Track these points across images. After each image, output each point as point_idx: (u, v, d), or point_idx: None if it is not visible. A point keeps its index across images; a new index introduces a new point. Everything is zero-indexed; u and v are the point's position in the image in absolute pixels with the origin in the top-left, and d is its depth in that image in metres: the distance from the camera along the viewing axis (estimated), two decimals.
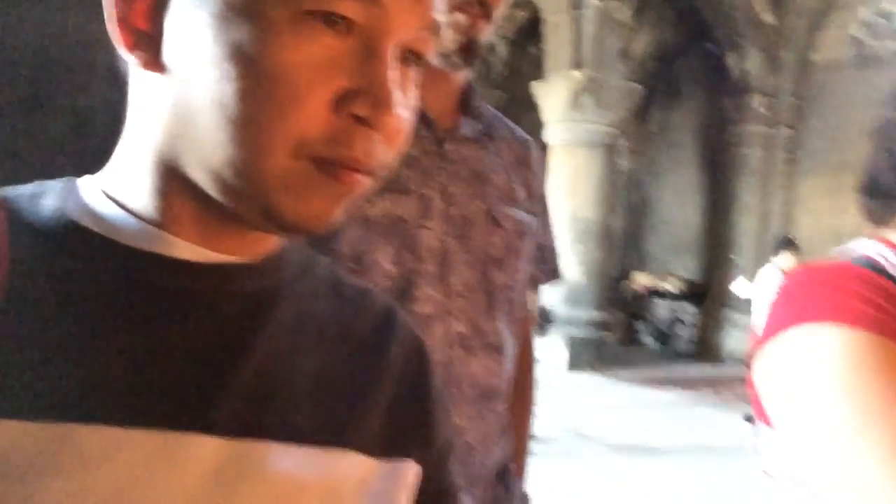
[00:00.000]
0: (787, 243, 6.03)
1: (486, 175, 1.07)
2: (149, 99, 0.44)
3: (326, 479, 0.46)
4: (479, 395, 1.03)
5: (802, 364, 0.71)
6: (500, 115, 1.18)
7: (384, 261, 0.96)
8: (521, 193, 1.12)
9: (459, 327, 1.01)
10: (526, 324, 1.22)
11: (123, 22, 0.42)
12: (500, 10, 1.01)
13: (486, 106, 1.14)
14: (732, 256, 9.57)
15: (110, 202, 0.45)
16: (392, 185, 0.97)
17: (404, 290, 0.97)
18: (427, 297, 0.98)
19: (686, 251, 11.23)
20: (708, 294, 10.03)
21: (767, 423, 0.78)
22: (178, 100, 0.42)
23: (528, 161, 1.16)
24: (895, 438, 0.64)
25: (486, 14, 0.98)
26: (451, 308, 1.00)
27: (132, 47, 0.42)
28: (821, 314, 0.71)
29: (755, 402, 0.80)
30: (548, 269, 1.24)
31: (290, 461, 0.45)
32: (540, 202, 1.19)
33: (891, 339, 0.69)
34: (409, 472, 0.53)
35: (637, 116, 11.21)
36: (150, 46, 0.42)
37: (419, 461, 0.54)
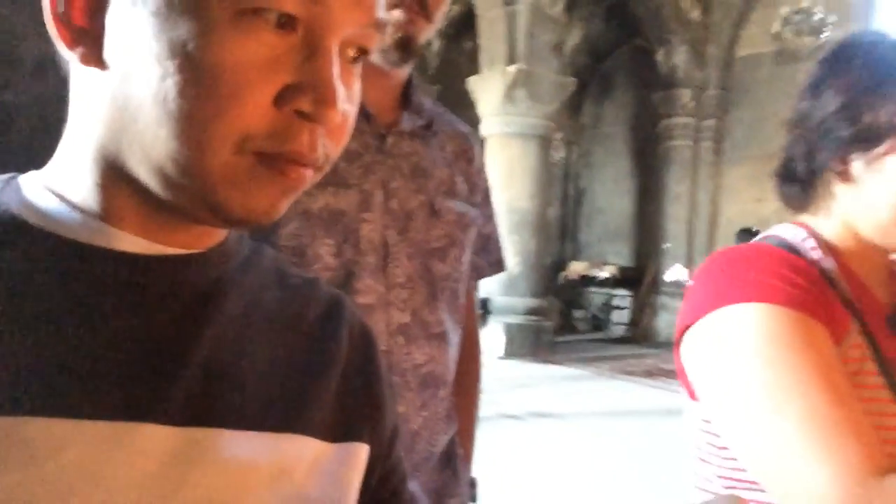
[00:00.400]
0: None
1: (427, 169, 1.08)
2: (90, 95, 0.44)
3: (278, 462, 0.47)
4: (423, 383, 1.05)
5: (727, 340, 0.75)
6: (441, 109, 1.19)
7: (325, 254, 0.98)
8: (462, 186, 1.14)
9: (401, 317, 1.02)
10: (470, 312, 1.24)
11: (61, 19, 0.42)
12: (442, 10, 1.02)
13: (428, 100, 1.15)
14: (665, 245, 9.84)
15: (53, 197, 0.45)
16: (333, 180, 0.98)
17: (345, 281, 0.98)
18: (368, 289, 1.00)
19: (619, 239, 11.48)
20: (641, 280, 10.29)
21: (694, 398, 0.83)
22: (119, 96, 0.42)
23: (470, 154, 1.18)
24: (812, 408, 0.69)
25: (426, 13, 0.99)
26: (392, 299, 1.02)
27: (71, 44, 0.42)
28: (743, 294, 0.75)
29: (683, 379, 0.84)
30: (492, 259, 1.27)
31: (241, 446, 0.46)
32: (482, 194, 1.21)
33: (806, 314, 0.74)
34: (360, 455, 0.54)
35: (571, 109, 11.39)
36: (89, 43, 0.42)
37: (369, 444, 0.55)
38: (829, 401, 0.69)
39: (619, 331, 10.68)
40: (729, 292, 0.77)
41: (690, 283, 0.85)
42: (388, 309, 1.01)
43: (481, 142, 1.24)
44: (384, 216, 1.02)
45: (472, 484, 1.23)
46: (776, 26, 9.14)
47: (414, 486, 1.04)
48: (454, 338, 1.12)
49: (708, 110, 9.66)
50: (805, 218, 0.90)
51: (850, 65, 0.82)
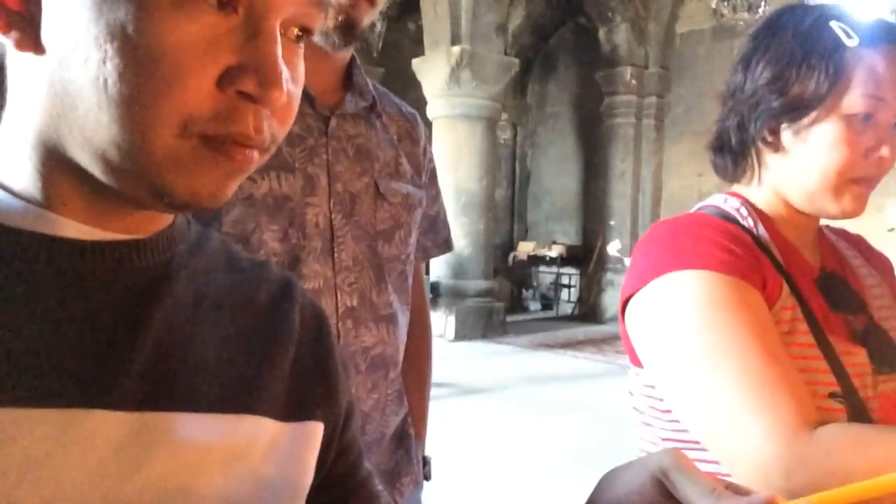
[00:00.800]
0: None
1: (371, 151, 1.08)
2: (26, 80, 0.43)
3: (232, 443, 0.48)
4: (372, 365, 1.06)
5: (667, 306, 0.78)
6: (386, 91, 1.20)
7: (270, 239, 0.97)
8: (407, 168, 1.14)
9: (349, 301, 1.03)
10: (419, 292, 1.26)
11: None
12: None
13: (372, 82, 1.15)
14: (610, 222, 10.00)
15: None
16: (276, 164, 0.97)
17: (291, 267, 0.99)
18: (315, 273, 1.00)
19: (566, 218, 11.62)
20: (588, 258, 10.45)
21: (638, 364, 0.86)
22: (57, 81, 0.41)
23: (415, 135, 1.19)
24: (747, 366, 0.72)
25: None
26: (339, 283, 1.02)
27: (5, 28, 0.41)
28: (682, 262, 0.79)
29: (628, 347, 0.87)
30: (439, 240, 1.28)
31: (195, 429, 0.46)
32: (428, 174, 1.22)
33: (741, 279, 0.77)
34: (315, 433, 0.55)
35: (515, 90, 11.45)
36: (24, 27, 0.41)
37: (323, 422, 0.55)
38: (763, 360, 0.72)
39: (568, 309, 10.84)
40: (669, 261, 0.80)
41: (627, 259, 0.88)
42: (335, 293, 1.02)
43: (427, 123, 1.25)
44: (330, 200, 1.02)
45: (425, 462, 1.25)
46: (714, 2, 9.30)
47: (368, 466, 1.04)
48: (402, 319, 1.13)
49: (649, 88, 9.82)
50: (738, 188, 0.93)
51: (779, 38, 0.85)
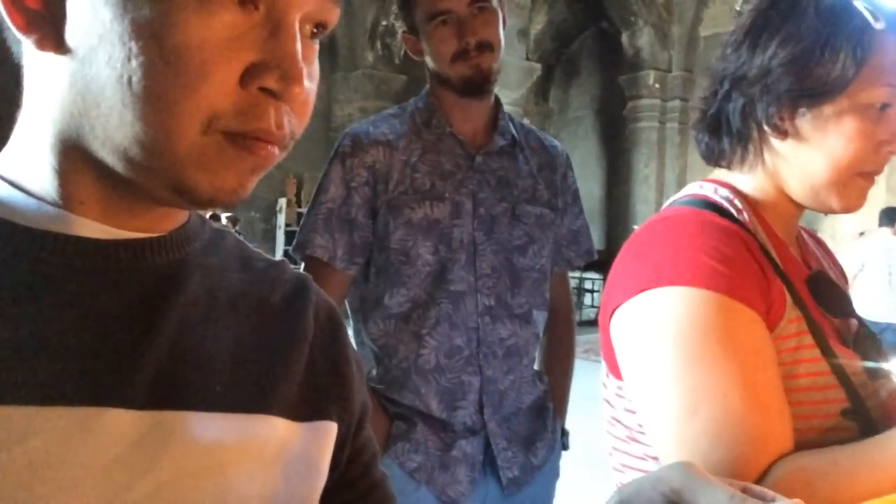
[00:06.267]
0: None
1: (511, 180, 1.33)
2: (46, 80, 0.43)
3: (246, 442, 0.48)
4: (507, 353, 1.30)
5: (651, 331, 0.73)
6: (533, 129, 1.47)
7: (425, 252, 1.25)
8: (544, 193, 1.38)
9: (487, 301, 1.28)
10: (565, 296, 1.52)
11: (14, 3, 0.42)
12: (501, 38, 1.30)
13: (519, 122, 1.43)
14: (634, 227, 9.92)
15: (5, 185, 0.45)
16: (430, 195, 1.26)
17: (440, 273, 1.25)
18: (460, 279, 1.26)
19: (589, 222, 11.47)
20: (611, 263, 10.36)
21: (618, 377, 0.81)
22: (78, 80, 0.41)
23: (554, 164, 1.43)
24: (724, 413, 0.67)
25: (491, 48, 1.27)
26: (480, 286, 1.27)
27: (26, 29, 0.42)
28: (670, 276, 0.72)
29: (607, 357, 0.82)
30: (582, 250, 1.50)
31: (208, 428, 0.46)
32: (570, 195, 1.47)
33: (734, 298, 0.70)
34: (328, 433, 0.54)
35: (537, 95, 11.43)
36: (45, 27, 0.42)
37: (337, 422, 0.55)
38: (746, 406, 0.67)
39: (591, 314, 10.76)
40: (656, 273, 0.73)
41: None
42: (476, 295, 1.27)
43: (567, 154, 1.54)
44: (473, 221, 1.28)
45: (564, 433, 1.47)
46: (738, 5, 9.20)
47: (500, 436, 1.27)
48: (538, 317, 1.36)
49: (673, 91, 9.73)
50: (722, 174, 0.86)
51: (796, 14, 0.77)
